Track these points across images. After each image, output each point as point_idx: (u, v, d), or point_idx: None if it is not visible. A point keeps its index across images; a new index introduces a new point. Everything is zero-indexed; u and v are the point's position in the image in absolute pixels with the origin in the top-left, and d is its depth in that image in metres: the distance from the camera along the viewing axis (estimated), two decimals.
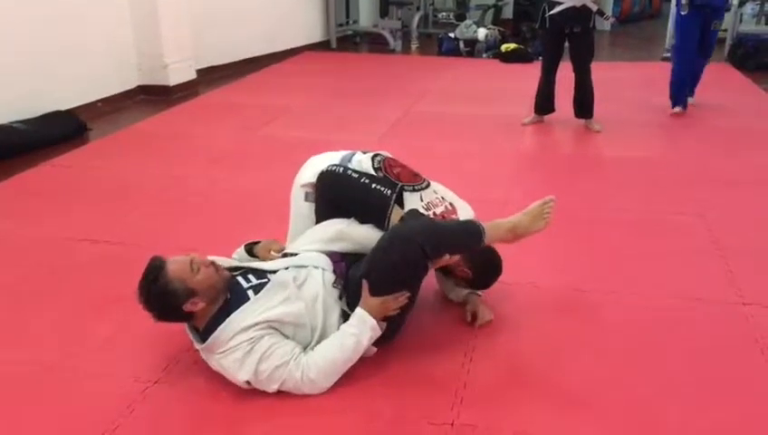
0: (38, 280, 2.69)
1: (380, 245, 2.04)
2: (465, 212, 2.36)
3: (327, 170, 2.25)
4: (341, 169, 2.24)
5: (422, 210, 2.24)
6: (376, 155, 2.36)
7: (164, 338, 2.18)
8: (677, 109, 4.96)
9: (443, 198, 2.34)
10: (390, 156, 2.40)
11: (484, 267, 2.30)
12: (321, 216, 2.28)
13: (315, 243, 2.20)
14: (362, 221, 2.23)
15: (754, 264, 2.76)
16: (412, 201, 2.25)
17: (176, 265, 1.94)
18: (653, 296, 2.52)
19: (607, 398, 1.98)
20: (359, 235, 2.20)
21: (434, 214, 2.25)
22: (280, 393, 1.95)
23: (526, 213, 2.19)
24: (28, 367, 2.13)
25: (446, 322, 2.38)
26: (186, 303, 1.92)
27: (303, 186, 2.34)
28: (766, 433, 1.85)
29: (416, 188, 2.28)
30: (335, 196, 2.24)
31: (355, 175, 2.22)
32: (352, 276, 2.10)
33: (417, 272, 2.07)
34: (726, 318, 2.39)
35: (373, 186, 2.20)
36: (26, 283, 2.67)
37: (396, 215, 2.17)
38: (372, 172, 2.27)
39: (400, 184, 2.24)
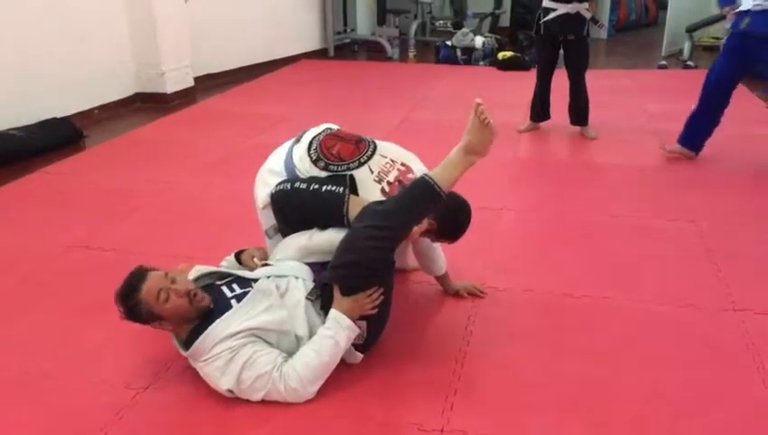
0: (32, 286, 2.69)
1: (341, 246, 2.02)
2: (418, 166, 2.31)
3: (276, 192, 2.22)
4: (290, 186, 2.20)
5: (374, 184, 2.19)
6: (311, 144, 2.29)
7: (155, 344, 2.18)
8: (672, 147, 4.15)
9: (392, 160, 2.28)
10: (326, 134, 2.32)
11: (447, 212, 2.21)
12: (286, 233, 2.27)
13: (289, 258, 2.20)
14: (325, 226, 2.19)
15: (746, 270, 2.76)
16: (363, 177, 2.20)
17: (148, 286, 1.93)
18: (645, 302, 2.52)
19: (598, 403, 1.98)
20: (323, 244, 2.16)
21: (388, 183, 2.20)
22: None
23: (468, 131, 2.06)
24: (19, 373, 2.13)
25: (439, 327, 2.38)
26: (152, 323, 1.96)
27: (263, 209, 2.33)
28: None
29: (361, 161, 2.23)
30: (292, 214, 2.22)
31: (303, 186, 2.18)
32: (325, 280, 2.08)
33: (383, 263, 2.04)
34: (718, 324, 2.39)
35: (323, 189, 2.16)
36: (20, 289, 2.68)
37: (353, 206, 2.12)
38: (313, 167, 2.22)
39: (348, 172, 2.20)
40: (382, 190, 2.20)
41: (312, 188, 2.17)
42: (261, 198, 2.31)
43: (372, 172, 2.23)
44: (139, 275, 1.96)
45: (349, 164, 2.22)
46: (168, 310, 1.92)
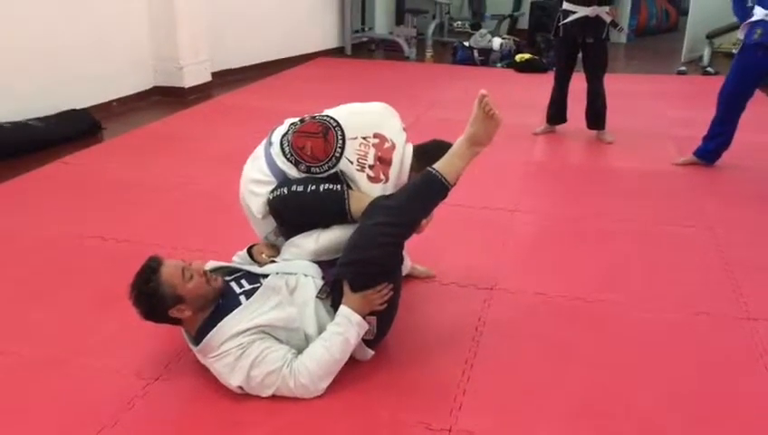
0: (47, 275, 2.72)
1: (351, 243, 2.02)
2: (389, 126, 2.28)
3: (274, 198, 2.17)
4: (286, 190, 2.15)
5: (359, 174, 2.16)
6: (283, 148, 2.21)
7: (167, 336, 2.19)
8: (683, 159, 4.17)
9: (363, 137, 2.21)
10: (293, 132, 2.23)
11: (431, 159, 2.17)
12: (289, 235, 2.25)
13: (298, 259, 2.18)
14: (327, 224, 2.18)
15: (762, 279, 2.73)
16: (347, 171, 2.17)
17: (169, 269, 1.93)
18: (659, 309, 2.51)
19: (608, 408, 1.97)
20: (332, 243, 2.15)
21: (370, 167, 2.17)
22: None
23: (472, 123, 2.09)
24: (32, 361, 2.16)
25: (448, 328, 2.38)
26: (172, 308, 1.92)
27: (263, 218, 2.27)
28: None
29: (337, 156, 2.16)
30: (293, 217, 2.19)
31: (300, 188, 2.14)
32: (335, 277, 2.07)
33: (394, 260, 2.05)
34: (732, 332, 2.37)
35: (321, 189, 2.13)
36: (35, 278, 2.71)
37: (354, 202, 2.12)
38: (298, 171, 2.19)
39: (330, 171, 2.16)
40: (368, 177, 2.18)
41: (309, 189, 2.14)
42: (257, 208, 2.25)
43: (352, 163, 2.18)
44: (155, 261, 1.96)
45: (328, 163, 2.17)
46: (192, 290, 1.92)
